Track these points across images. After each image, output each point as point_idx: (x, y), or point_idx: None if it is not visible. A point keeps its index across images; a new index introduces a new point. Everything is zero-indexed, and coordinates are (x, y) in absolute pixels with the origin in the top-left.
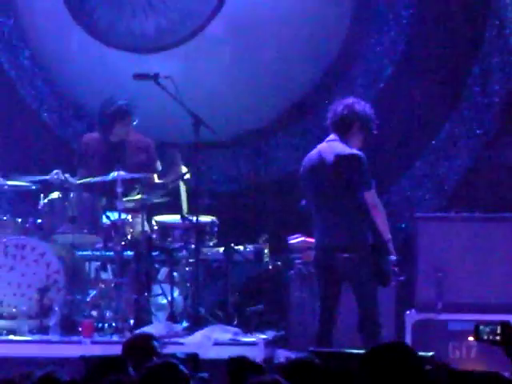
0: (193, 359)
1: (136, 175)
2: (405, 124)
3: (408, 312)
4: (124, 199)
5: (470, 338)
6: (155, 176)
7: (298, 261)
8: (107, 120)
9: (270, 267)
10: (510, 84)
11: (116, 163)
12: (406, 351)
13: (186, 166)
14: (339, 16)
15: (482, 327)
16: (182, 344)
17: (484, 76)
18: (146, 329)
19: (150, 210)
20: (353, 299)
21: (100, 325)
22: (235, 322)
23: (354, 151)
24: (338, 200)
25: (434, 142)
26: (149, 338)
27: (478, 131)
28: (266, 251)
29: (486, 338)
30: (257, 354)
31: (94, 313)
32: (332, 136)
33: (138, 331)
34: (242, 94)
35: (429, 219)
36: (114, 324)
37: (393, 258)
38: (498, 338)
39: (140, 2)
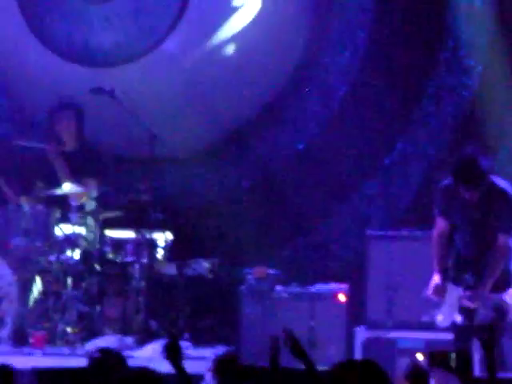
0: None
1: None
2: (358, 142)
3: (358, 329)
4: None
5: (419, 355)
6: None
7: (249, 276)
8: None
9: (222, 282)
10: (463, 106)
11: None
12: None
13: (141, 181)
14: (295, 36)
15: (436, 354)
16: (132, 357)
17: (438, 97)
18: (98, 341)
19: (102, 224)
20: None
21: (52, 337)
22: (186, 336)
23: (444, 181)
24: None
25: (386, 161)
26: (117, 354)
27: (430, 151)
28: (218, 266)
29: (440, 365)
30: (207, 369)
31: (46, 325)
32: None
33: (98, 346)
34: (197, 111)
35: (380, 237)
36: (65, 336)
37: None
38: (452, 365)
39: (97, 17)
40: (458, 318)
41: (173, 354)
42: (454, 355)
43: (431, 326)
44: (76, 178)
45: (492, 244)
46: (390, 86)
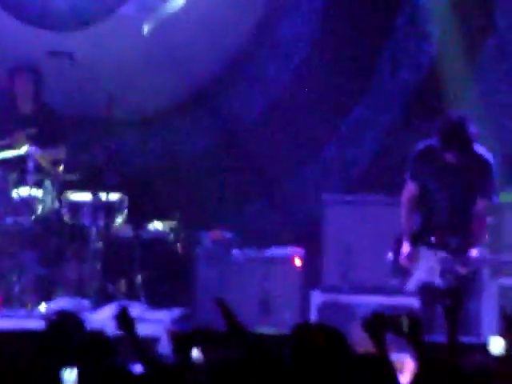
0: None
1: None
2: (315, 108)
3: (313, 293)
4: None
5: None
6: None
7: (205, 239)
8: None
9: (179, 245)
10: (420, 72)
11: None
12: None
13: (98, 143)
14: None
15: (387, 318)
16: (88, 319)
17: (394, 63)
18: (55, 304)
19: (59, 187)
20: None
21: (8, 298)
22: (142, 299)
23: (417, 146)
24: None
25: (342, 127)
26: (75, 317)
27: (386, 117)
28: (175, 229)
29: (391, 329)
30: (163, 331)
31: (3, 287)
32: None
33: (55, 308)
34: (154, 75)
35: (336, 201)
36: (22, 298)
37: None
38: (403, 330)
39: None
40: (439, 281)
41: (124, 323)
42: (405, 320)
43: (386, 291)
44: (46, 144)
45: (468, 209)
46: (347, 51)
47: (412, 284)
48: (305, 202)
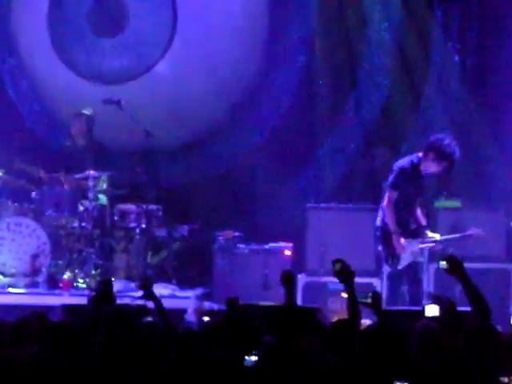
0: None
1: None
2: (299, 139)
3: (300, 275)
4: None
5: (343, 295)
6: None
7: (220, 237)
8: None
9: (200, 241)
10: (374, 111)
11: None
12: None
13: (139, 167)
14: (252, 59)
15: (357, 293)
16: (134, 297)
17: (357, 105)
18: None
19: (112, 199)
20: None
21: (75, 282)
22: (174, 281)
23: (401, 164)
24: None
25: (319, 153)
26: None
27: (351, 145)
28: (197, 230)
29: (359, 300)
30: (189, 305)
31: (71, 273)
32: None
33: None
34: (177, 116)
35: (316, 208)
36: (85, 281)
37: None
38: (368, 301)
39: (107, 47)
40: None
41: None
42: (370, 294)
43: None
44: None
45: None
46: (323, 96)
47: (401, 265)
48: (293, 209)
